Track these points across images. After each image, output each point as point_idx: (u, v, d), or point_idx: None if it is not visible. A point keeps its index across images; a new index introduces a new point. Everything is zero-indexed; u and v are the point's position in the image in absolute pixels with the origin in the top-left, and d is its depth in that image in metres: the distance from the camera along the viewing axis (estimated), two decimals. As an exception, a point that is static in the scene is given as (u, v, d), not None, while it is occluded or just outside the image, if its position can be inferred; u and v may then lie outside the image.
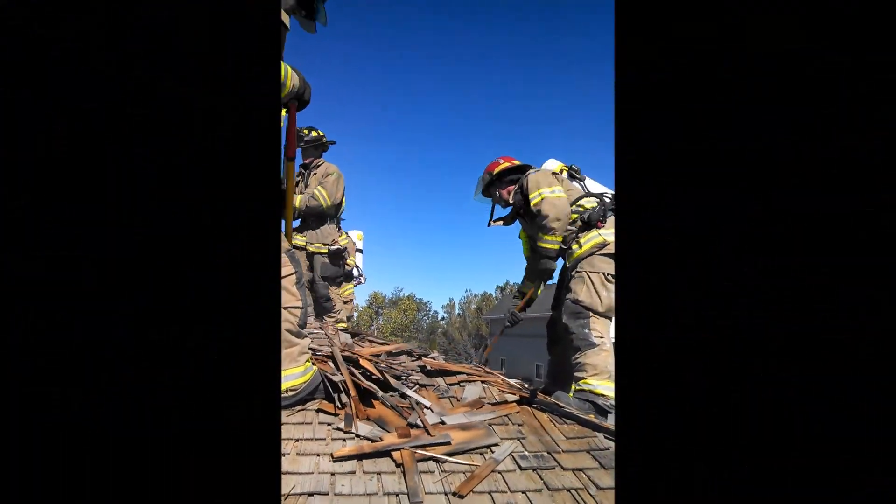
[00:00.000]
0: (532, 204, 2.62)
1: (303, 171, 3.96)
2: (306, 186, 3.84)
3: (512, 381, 2.56)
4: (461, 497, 1.41)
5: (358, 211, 46.91)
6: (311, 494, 1.40)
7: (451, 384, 2.34)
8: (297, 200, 3.67)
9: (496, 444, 1.74)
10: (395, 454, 1.60)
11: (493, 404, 2.12)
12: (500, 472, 1.58)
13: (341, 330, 2.92)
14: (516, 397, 2.20)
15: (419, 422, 1.81)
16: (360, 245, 5.26)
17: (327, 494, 1.40)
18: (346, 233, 4.82)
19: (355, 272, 4.91)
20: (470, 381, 2.36)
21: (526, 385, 2.57)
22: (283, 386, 1.79)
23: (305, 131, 3.94)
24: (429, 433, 1.73)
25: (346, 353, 2.28)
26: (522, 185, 2.73)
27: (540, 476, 1.58)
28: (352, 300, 4.91)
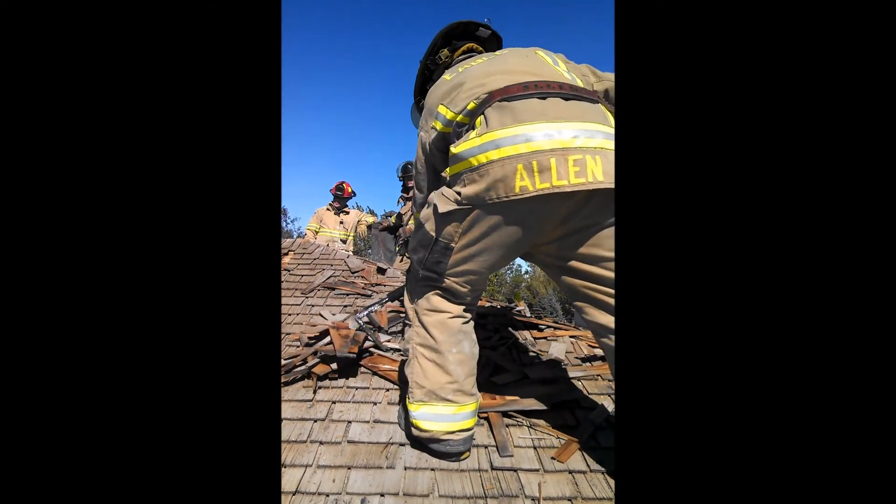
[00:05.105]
0: None
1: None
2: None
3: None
4: (561, 463, 1.41)
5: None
6: (401, 445, 1.47)
7: (537, 338, 2.30)
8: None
9: (580, 399, 1.69)
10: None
11: (582, 359, 2.06)
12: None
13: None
14: (606, 353, 2.12)
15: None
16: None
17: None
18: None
19: None
20: (557, 337, 2.31)
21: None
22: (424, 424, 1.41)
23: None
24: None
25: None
26: None
27: (633, 434, 1.52)
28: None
